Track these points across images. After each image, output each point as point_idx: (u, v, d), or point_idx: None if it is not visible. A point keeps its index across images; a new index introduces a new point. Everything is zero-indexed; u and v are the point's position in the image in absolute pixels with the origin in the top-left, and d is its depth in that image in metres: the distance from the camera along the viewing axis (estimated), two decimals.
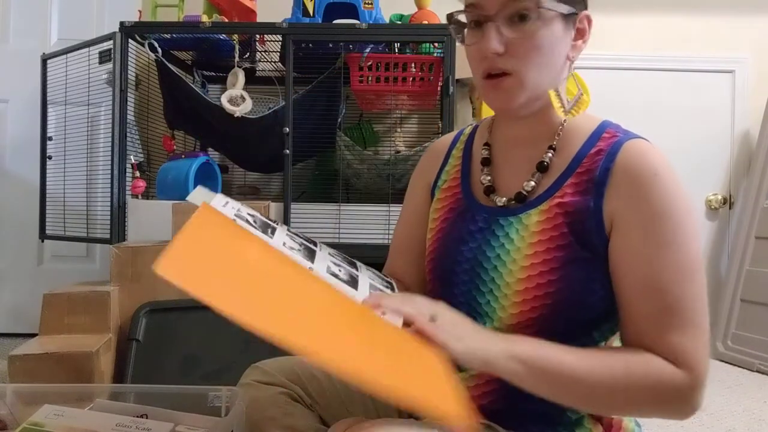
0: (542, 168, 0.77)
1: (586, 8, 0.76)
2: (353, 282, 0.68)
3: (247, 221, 0.65)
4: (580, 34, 0.76)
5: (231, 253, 0.54)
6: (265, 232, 0.66)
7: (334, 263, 0.71)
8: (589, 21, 0.76)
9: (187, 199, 0.63)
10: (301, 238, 0.74)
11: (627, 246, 0.69)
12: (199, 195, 0.64)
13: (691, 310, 0.66)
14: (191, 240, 0.50)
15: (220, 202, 0.65)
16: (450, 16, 0.76)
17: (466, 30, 0.76)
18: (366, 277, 0.74)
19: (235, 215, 0.64)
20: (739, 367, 2.59)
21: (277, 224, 0.73)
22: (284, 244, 0.66)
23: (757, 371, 2.52)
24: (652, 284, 0.67)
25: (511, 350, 0.65)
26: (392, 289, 0.77)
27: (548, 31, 0.71)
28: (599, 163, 0.73)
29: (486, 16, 0.71)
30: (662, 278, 0.67)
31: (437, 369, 0.56)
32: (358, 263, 0.80)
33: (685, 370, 0.65)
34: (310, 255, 0.68)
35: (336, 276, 0.67)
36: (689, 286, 0.67)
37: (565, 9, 0.72)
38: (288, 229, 0.74)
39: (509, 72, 0.72)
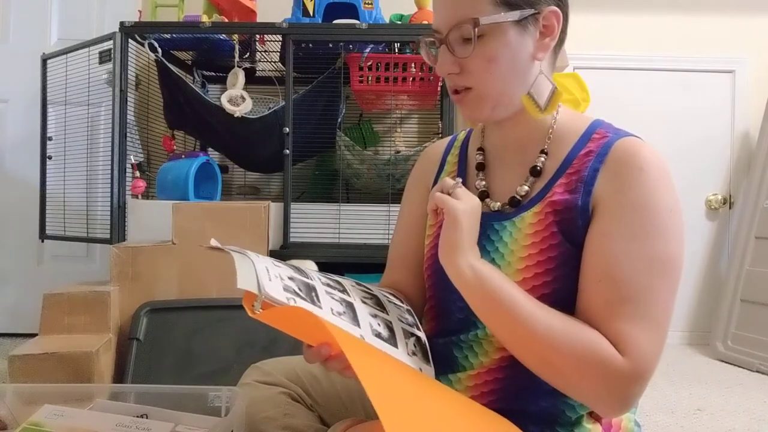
0: (535, 173, 0.77)
1: (552, 4, 0.73)
2: (392, 336, 0.70)
3: (296, 292, 0.65)
4: (548, 32, 0.74)
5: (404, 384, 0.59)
6: (312, 299, 0.66)
7: (371, 315, 0.71)
8: (557, 16, 0.73)
9: (240, 286, 0.60)
10: (335, 287, 0.73)
11: (600, 230, 0.69)
12: (246, 272, 0.62)
13: (649, 304, 0.65)
14: (384, 394, 0.52)
15: (265, 275, 0.64)
16: (418, 42, 0.80)
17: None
18: (396, 319, 0.75)
19: (284, 289, 0.64)
20: (739, 367, 2.58)
21: (309, 276, 0.72)
22: (332, 311, 0.66)
23: (757, 371, 2.52)
24: (612, 273, 0.66)
25: (472, 263, 0.69)
26: (416, 321, 0.78)
27: (499, 42, 0.71)
28: (588, 163, 0.73)
29: (440, 39, 0.74)
30: (625, 268, 0.66)
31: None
32: (378, 295, 0.79)
33: (629, 360, 0.63)
34: (354, 315, 0.69)
35: (379, 335, 0.68)
36: (654, 281, 0.65)
37: (514, 16, 0.70)
38: (320, 280, 0.73)
39: (470, 87, 0.74)
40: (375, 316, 0.72)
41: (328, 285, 0.73)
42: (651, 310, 0.65)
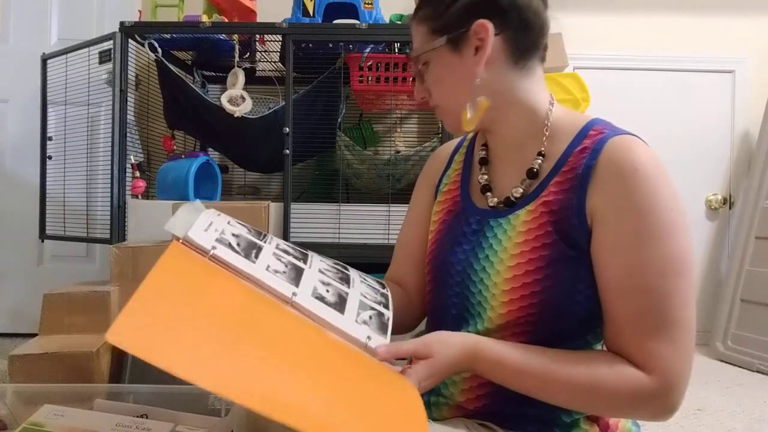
0: (532, 175, 0.77)
1: (482, 16, 0.73)
2: (341, 304, 0.69)
3: (230, 245, 0.65)
4: (483, 44, 0.74)
5: (192, 308, 0.54)
6: (248, 255, 0.65)
7: (323, 282, 0.70)
8: (485, 28, 0.73)
9: (167, 227, 0.63)
10: (292, 254, 0.73)
11: (606, 242, 0.69)
12: (182, 220, 0.64)
13: (672, 309, 0.65)
14: (148, 300, 0.50)
15: (202, 225, 0.65)
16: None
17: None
18: (357, 293, 0.73)
19: (217, 240, 0.64)
20: (739, 367, 2.59)
21: (267, 240, 0.73)
22: (268, 267, 0.65)
23: (757, 371, 2.52)
24: (631, 282, 0.67)
25: (467, 369, 0.70)
26: (386, 302, 0.77)
27: (439, 66, 0.78)
28: (583, 160, 0.73)
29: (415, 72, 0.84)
30: (642, 276, 0.66)
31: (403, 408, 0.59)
32: (352, 274, 0.79)
33: (657, 377, 0.65)
34: (297, 276, 0.68)
35: (322, 299, 0.67)
36: (672, 283, 0.66)
37: (442, 41, 0.76)
38: (278, 245, 0.73)
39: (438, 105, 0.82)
40: (327, 284, 0.71)
41: (285, 252, 0.73)
42: (673, 315, 0.65)
